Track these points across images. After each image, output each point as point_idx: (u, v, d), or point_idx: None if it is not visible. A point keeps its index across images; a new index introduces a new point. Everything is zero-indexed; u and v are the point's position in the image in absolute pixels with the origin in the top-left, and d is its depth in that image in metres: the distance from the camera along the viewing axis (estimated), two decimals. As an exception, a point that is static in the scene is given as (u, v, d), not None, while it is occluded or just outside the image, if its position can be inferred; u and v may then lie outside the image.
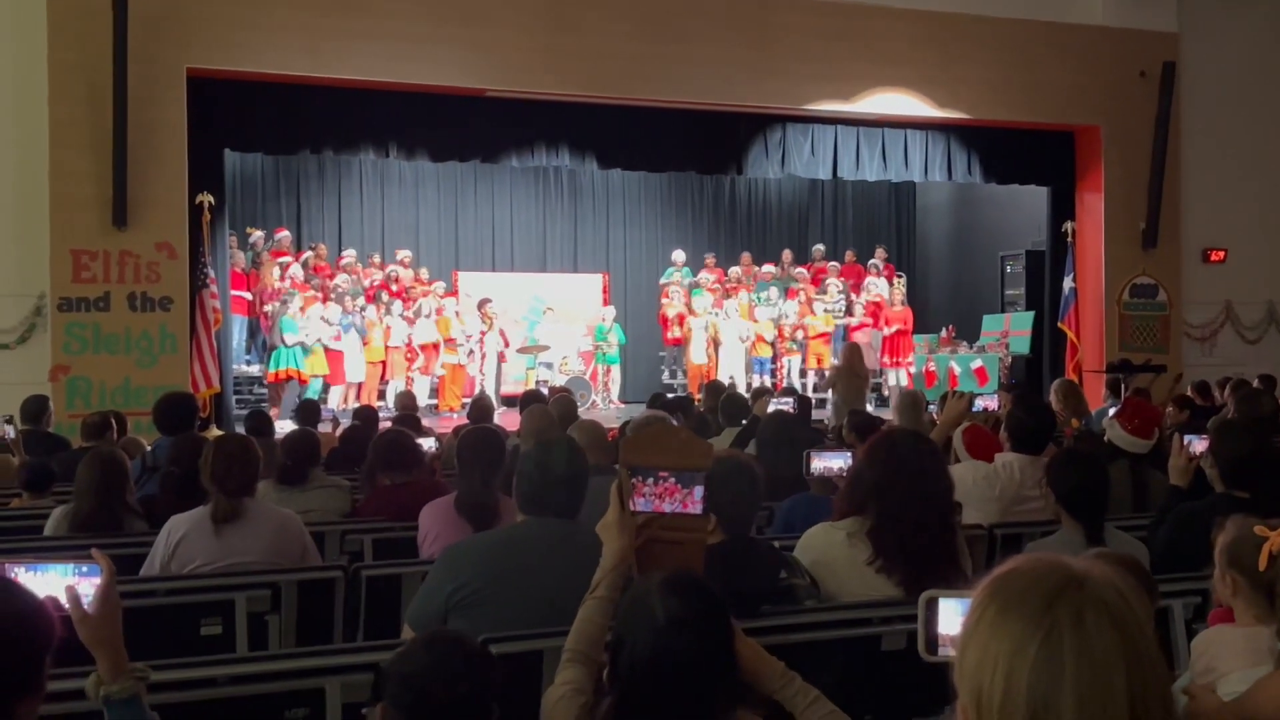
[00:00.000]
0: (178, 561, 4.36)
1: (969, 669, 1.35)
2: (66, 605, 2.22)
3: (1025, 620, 1.31)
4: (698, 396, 15.21)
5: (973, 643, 1.35)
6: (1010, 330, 16.63)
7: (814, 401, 12.43)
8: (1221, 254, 15.89)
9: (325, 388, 14.30)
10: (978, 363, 16.17)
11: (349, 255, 16.43)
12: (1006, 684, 1.30)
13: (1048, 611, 1.31)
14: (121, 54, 11.06)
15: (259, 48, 11.93)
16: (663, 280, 17.48)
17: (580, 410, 8.98)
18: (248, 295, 14.65)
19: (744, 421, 7.54)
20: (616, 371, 16.74)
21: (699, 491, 2.70)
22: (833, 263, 18.20)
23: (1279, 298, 16.20)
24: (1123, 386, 11.17)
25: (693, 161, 15.18)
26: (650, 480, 2.68)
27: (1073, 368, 14.89)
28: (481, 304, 16.06)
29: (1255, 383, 9.94)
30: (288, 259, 15.48)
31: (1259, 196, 15.89)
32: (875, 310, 17.06)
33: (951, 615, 2.05)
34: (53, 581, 2.24)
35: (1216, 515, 3.27)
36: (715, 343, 16.40)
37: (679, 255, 17.71)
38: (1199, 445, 4.73)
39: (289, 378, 13.98)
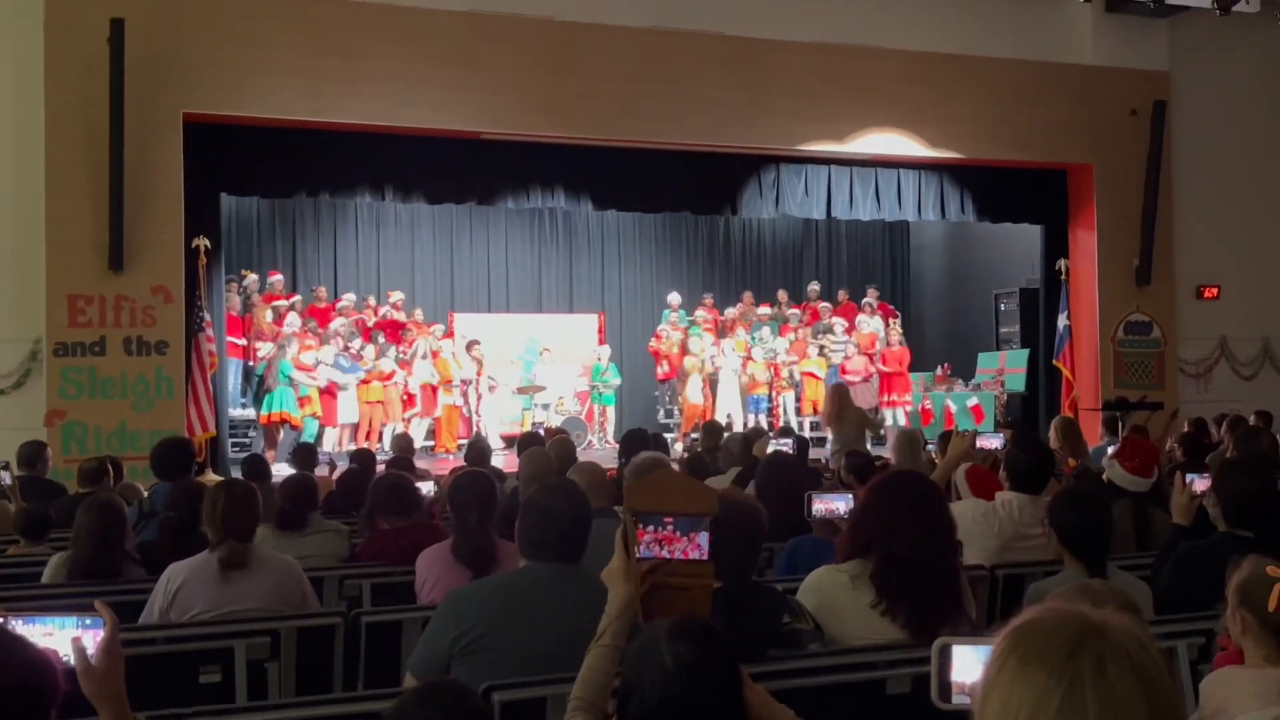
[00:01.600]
0: (177, 609, 4.33)
1: (991, 718, 1.34)
2: (70, 658, 2.20)
3: (1048, 670, 1.32)
4: (684, 435, 15.27)
5: (995, 692, 1.36)
6: (1005, 368, 16.65)
7: (810, 441, 12.40)
8: (1215, 290, 15.96)
9: (320, 431, 14.25)
10: (973, 400, 16.18)
11: (347, 298, 16.45)
12: None
13: (1070, 661, 1.32)
14: (118, 98, 11.11)
15: (256, 92, 11.99)
16: (660, 325, 17.46)
17: (577, 451, 8.95)
18: (242, 341, 14.63)
19: (743, 462, 7.52)
20: (612, 411, 16.69)
21: (704, 537, 2.68)
22: (824, 304, 18.22)
23: (1273, 334, 16.24)
24: (1120, 424, 11.16)
25: (687, 202, 15.21)
26: (654, 526, 2.66)
27: (1068, 405, 14.89)
28: (470, 345, 16.03)
29: (1252, 419, 9.94)
30: (282, 302, 15.48)
31: (1251, 233, 15.98)
32: (868, 348, 17.06)
33: (965, 662, 2.04)
34: (56, 634, 2.22)
35: (1220, 555, 3.26)
36: (711, 382, 16.38)
37: (674, 298, 17.69)
38: (1201, 483, 4.72)
39: (282, 421, 13.94)
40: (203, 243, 12.07)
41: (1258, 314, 16.09)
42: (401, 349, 15.54)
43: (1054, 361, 15.56)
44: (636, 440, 7.96)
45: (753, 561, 3.68)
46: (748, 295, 18.45)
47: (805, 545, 4.93)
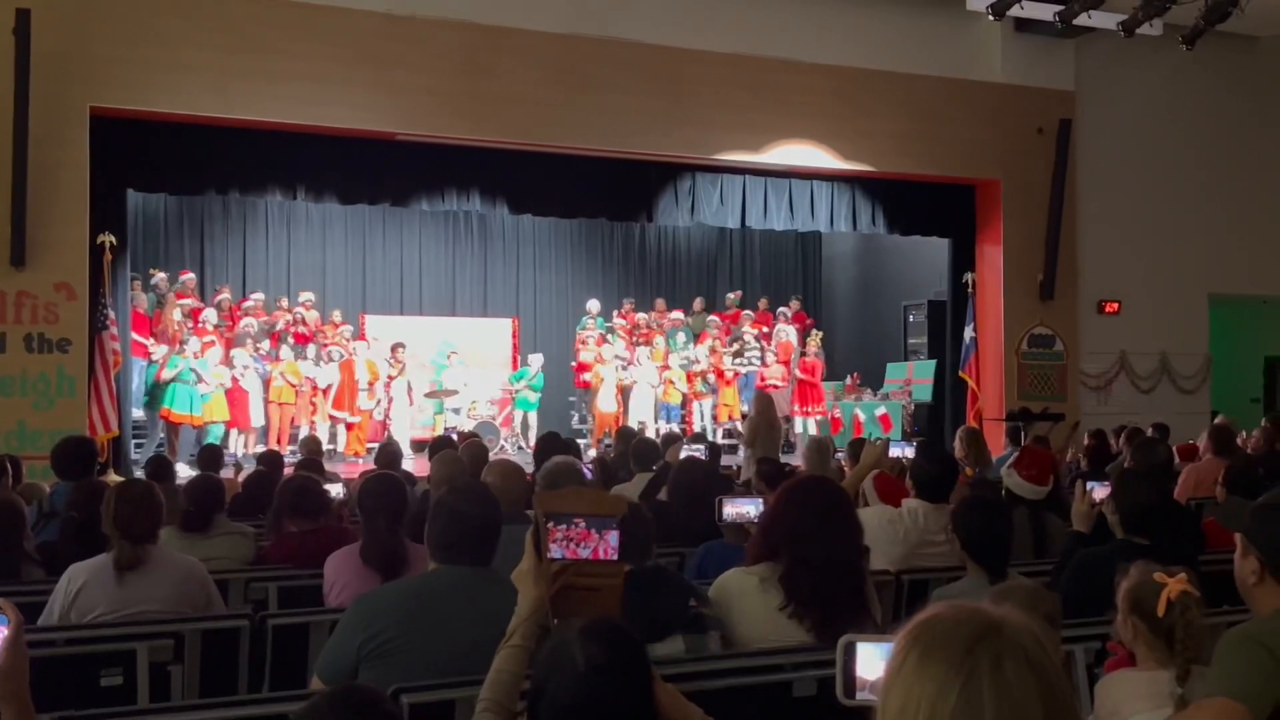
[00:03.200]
0: (78, 611, 4.23)
1: (892, 712, 1.38)
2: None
3: (947, 665, 1.35)
4: (597, 442, 15.27)
5: (896, 687, 1.39)
6: (913, 378, 16.91)
7: (723, 448, 12.48)
8: (1116, 305, 16.34)
9: (224, 434, 14.01)
10: (881, 410, 16.41)
11: (255, 298, 16.21)
12: None
13: (968, 656, 1.35)
14: (23, 91, 10.86)
15: (165, 87, 11.78)
16: (579, 330, 17.44)
17: (490, 455, 8.91)
18: (148, 340, 14.34)
19: (655, 467, 7.54)
20: (534, 417, 16.60)
21: (614, 536, 2.69)
22: (746, 311, 18.34)
23: (1170, 348, 16.68)
24: (1022, 434, 11.38)
25: (603, 208, 15.26)
26: (565, 525, 2.67)
27: (974, 415, 15.14)
28: (394, 348, 15.86)
29: (1150, 431, 10.20)
30: (190, 300, 15.21)
31: (1152, 250, 16.39)
32: (785, 357, 17.21)
33: (869, 659, 2.07)
34: (-45, 631, 2.17)
35: (1118, 561, 3.34)
36: (623, 389, 16.39)
37: (593, 305, 17.69)
38: (1100, 492, 4.84)
39: (194, 422, 13.67)
40: (108, 239, 11.82)
41: (1156, 329, 16.50)
42: (324, 353, 15.30)
43: (960, 373, 15.82)
44: (552, 444, 7.95)
45: (649, 550, 3.76)
46: (659, 302, 18.51)
47: (716, 550, 4.97)
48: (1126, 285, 16.34)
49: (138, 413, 13.75)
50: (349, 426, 15.25)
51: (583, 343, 16.98)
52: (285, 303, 16.59)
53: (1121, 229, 16.19)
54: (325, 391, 15.11)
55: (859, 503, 5.79)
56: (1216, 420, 10.73)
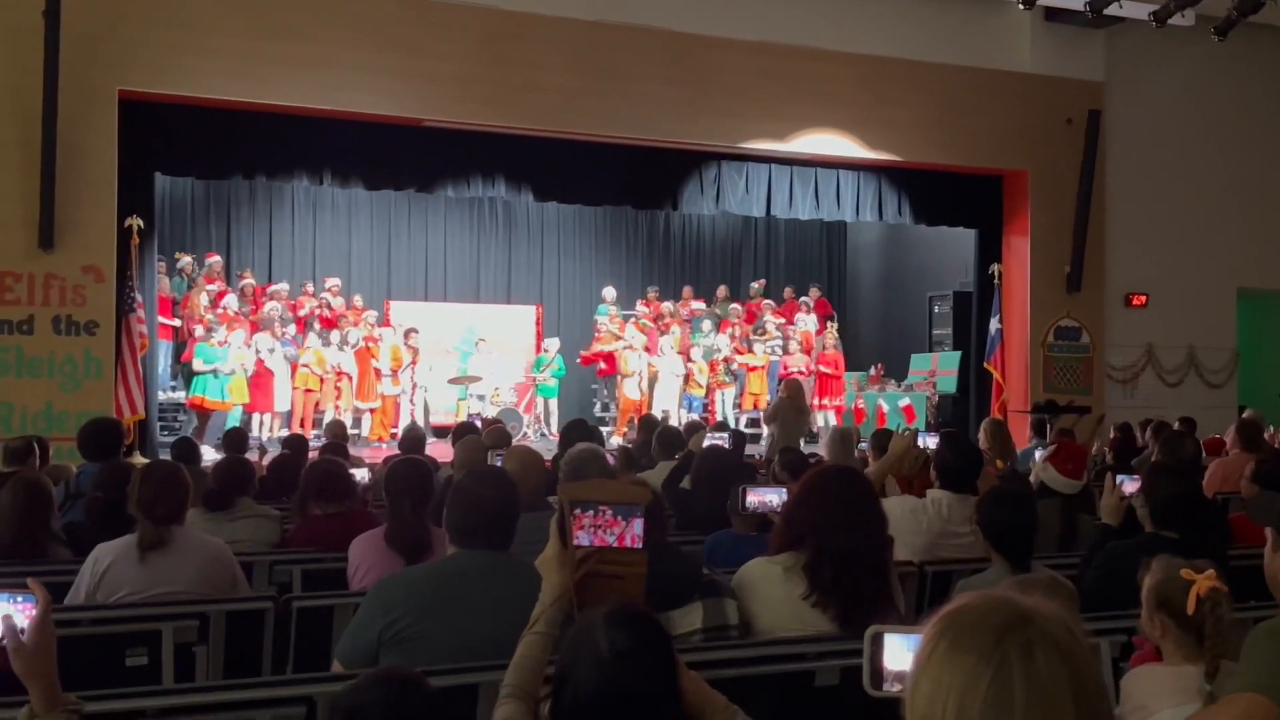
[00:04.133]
0: (104, 590, 4.26)
1: (921, 702, 1.37)
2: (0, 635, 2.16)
3: (977, 654, 1.34)
4: (623, 430, 15.27)
5: (925, 676, 1.38)
6: (937, 370, 16.84)
7: (747, 436, 12.46)
8: (1143, 298, 16.24)
9: (246, 417, 14.05)
10: (905, 401, 16.35)
11: (281, 283, 16.28)
12: (958, 716, 1.33)
13: (998, 646, 1.34)
14: (52, 74, 10.90)
15: (194, 72, 11.81)
16: (596, 317, 17.44)
17: (513, 442, 8.92)
18: (175, 322, 14.42)
19: (677, 456, 7.54)
20: (555, 404, 16.62)
21: (638, 525, 2.69)
22: (768, 300, 18.30)
23: (1198, 342, 16.56)
24: (1047, 427, 11.33)
25: (628, 196, 15.23)
26: (591, 513, 2.67)
27: (998, 407, 15.08)
28: (407, 334, 15.90)
29: (1176, 425, 10.13)
30: (217, 285, 15.27)
31: (1180, 243, 16.27)
32: (808, 346, 17.17)
33: (896, 650, 2.06)
34: (-16, 610, 2.18)
35: (1145, 555, 3.32)
36: (648, 378, 16.37)
37: (609, 292, 17.64)
38: (1130, 485, 4.81)
39: (220, 407, 13.73)
40: (135, 222, 11.87)
41: (1184, 323, 16.40)
42: (339, 340, 15.34)
43: (985, 364, 15.75)
44: (577, 430, 7.95)
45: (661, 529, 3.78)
46: (687, 290, 18.48)
47: (725, 540, 4.92)
48: (1154, 278, 16.22)
49: (163, 395, 13.82)
50: (372, 411, 15.28)
51: (598, 331, 16.95)
52: (310, 288, 16.66)
53: (1150, 221, 16.07)
54: (349, 377, 15.14)
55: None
56: (1244, 414, 10.66)
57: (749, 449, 11.60)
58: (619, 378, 16.36)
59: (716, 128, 14.00)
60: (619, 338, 16.43)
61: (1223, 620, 2.92)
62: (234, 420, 13.47)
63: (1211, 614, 2.91)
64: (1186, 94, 16.33)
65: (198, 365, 13.68)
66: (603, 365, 16.78)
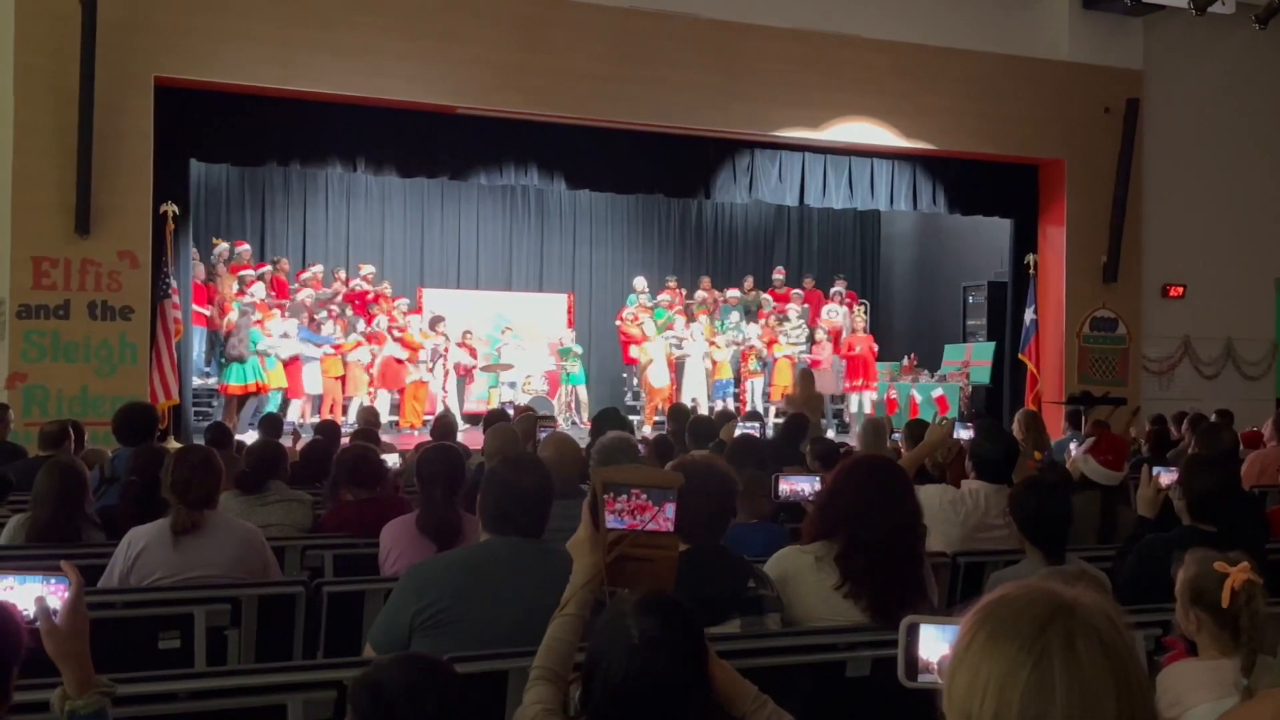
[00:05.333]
0: (137, 574, 4.29)
1: (959, 693, 1.35)
2: (33, 616, 2.17)
3: (1017, 645, 1.33)
4: (652, 419, 15.28)
5: (963, 667, 1.36)
6: (971, 360, 16.75)
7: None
8: (1180, 290, 16.10)
9: (284, 402, 14.17)
10: (939, 391, 16.28)
11: (315, 269, 16.36)
12: (997, 707, 1.31)
13: (1039, 636, 1.32)
14: (89, 60, 10.97)
15: (228, 58, 11.86)
16: (626, 305, 17.43)
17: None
18: (208, 310, 14.51)
19: (710, 445, 7.53)
20: (583, 391, 16.64)
21: (670, 509, 2.68)
22: (795, 290, 18.24)
23: (1236, 334, 16.41)
24: (1082, 418, 11.25)
25: (661, 184, 15.19)
26: (623, 496, 2.66)
27: (1032, 398, 15.00)
28: (434, 322, 15.96)
29: (1213, 417, 10.04)
30: (248, 272, 15.37)
31: (1218, 235, 16.11)
32: (834, 336, 17.14)
33: (932, 642, 2.05)
34: (17, 589, 2.19)
35: (1183, 548, 3.29)
36: (677, 366, 16.37)
37: (640, 282, 17.60)
38: (1167, 477, 4.77)
39: (258, 389, 13.82)
40: (171, 208, 11.95)
41: (1222, 315, 16.24)
42: (371, 327, 15.44)
43: (1020, 355, 15.66)
44: (609, 419, 7.95)
45: (722, 526, 3.66)
46: (705, 280, 18.35)
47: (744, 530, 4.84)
48: (1192, 269, 16.07)
49: (198, 381, 13.92)
50: (401, 397, 15.32)
51: (627, 320, 16.95)
52: (343, 274, 16.73)
53: (1188, 212, 15.91)
54: (384, 364, 15.21)
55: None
56: (1283, 407, 10.55)
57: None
58: (640, 367, 16.36)
59: (750, 115, 13.95)
60: (644, 335, 16.41)
61: (1259, 613, 2.90)
62: (272, 405, 13.56)
63: (1247, 607, 2.89)
64: (1226, 83, 16.16)
65: (252, 352, 13.76)
66: (635, 353, 16.75)
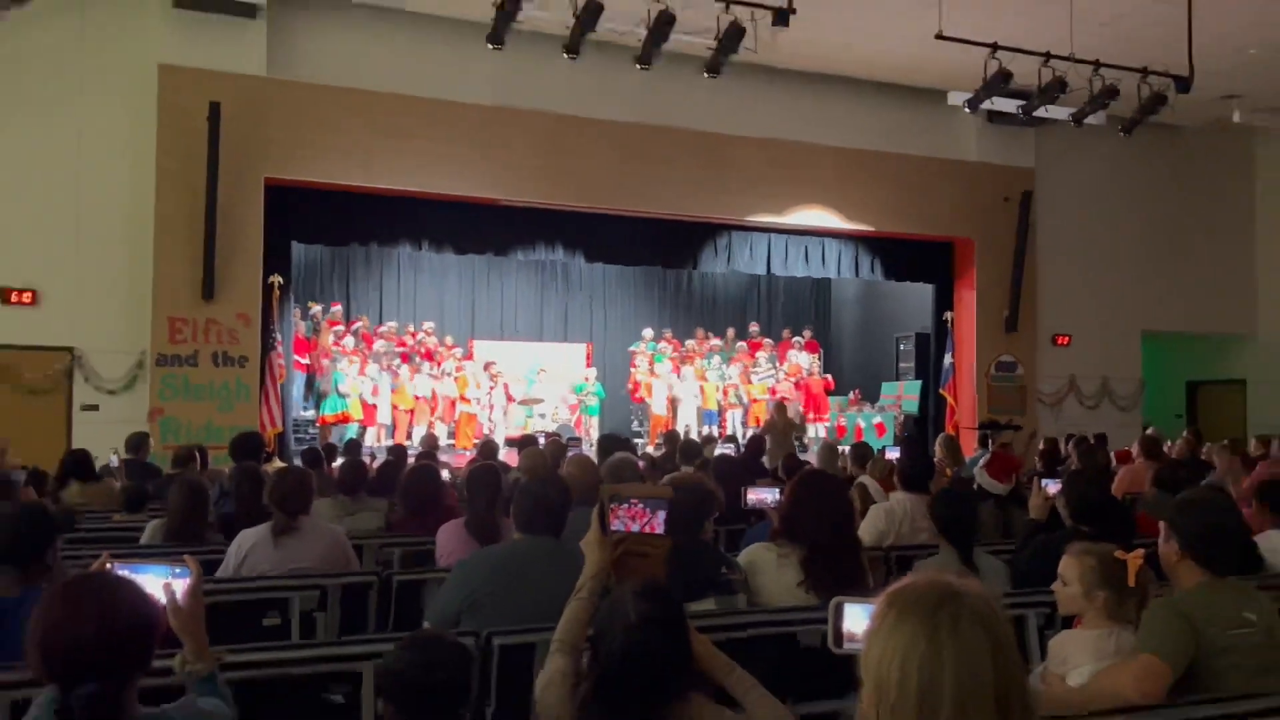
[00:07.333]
0: (246, 567, 4.30)
1: (872, 661, 1.38)
2: (163, 598, 2.19)
3: (916, 623, 1.36)
4: (655, 441, 15.26)
5: (875, 641, 1.39)
6: (903, 395, 16.74)
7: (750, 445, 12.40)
8: (1067, 339, 16.10)
9: (362, 430, 14.19)
10: (878, 419, 16.27)
11: (389, 325, 16.41)
12: (901, 673, 1.34)
13: (933, 616, 1.35)
14: (214, 164, 11.09)
15: (322, 162, 11.98)
16: (632, 348, 17.49)
17: (568, 451, 8.91)
18: (305, 360, 14.54)
19: (696, 462, 7.52)
20: (595, 421, 16.65)
21: (662, 516, 2.70)
22: (767, 339, 18.26)
23: (1110, 374, 16.41)
24: (990, 441, 11.23)
25: (658, 258, 15.27)
26: (624, 505, 2.69)
27: (952, 425, 14.96)
28: (487, 365, 15.98)
29: (1092, 439, 10.02)
30: (340, 327, 15.42)
31: (1096, 295, 16.16)
32: (796, 376, 17.16)
33: (854, 617, 2.05)
34: (152, 580, 2.22)
35: (1067, 544, 3.28)
36: (672, 400, 16.40)
37: (648, 332, 17.64)
38: (1053, 488, 4.77)
39: (344, 420, 13.90)
40: (277, 279, 12.03)
41: (1099, 359, 16.24)
42: (434, 370, 15.52)
43: (940, 391, 15.66)
44: (612, 442, 7.94)
45: (699, 526, 3.71)
46: (699, 331, 18.41)
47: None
48: (1076, 322, 16.09)
49: (297, 414, 13.93)
50: (457, 425, 15.35)
51: (635, 364, 16.96)
52: (411, 328, 16.78)
53: (1072, 277, 15.97)
54: (443, 400, 15.25)
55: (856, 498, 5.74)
56: (1147, 431, 10.54)
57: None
58: (646, 401, 16.38)
59: (728, 204, 14.03)
60: (653, 373, 16.44)
61: (1152, 584, 2.89)
62: (352, 433, 13.59)
63: (1147, 582, 2.90)
64: (1101, 176, 16.26)
65: (340, 389, 13.80)
66: (641, 393, 16.81)
